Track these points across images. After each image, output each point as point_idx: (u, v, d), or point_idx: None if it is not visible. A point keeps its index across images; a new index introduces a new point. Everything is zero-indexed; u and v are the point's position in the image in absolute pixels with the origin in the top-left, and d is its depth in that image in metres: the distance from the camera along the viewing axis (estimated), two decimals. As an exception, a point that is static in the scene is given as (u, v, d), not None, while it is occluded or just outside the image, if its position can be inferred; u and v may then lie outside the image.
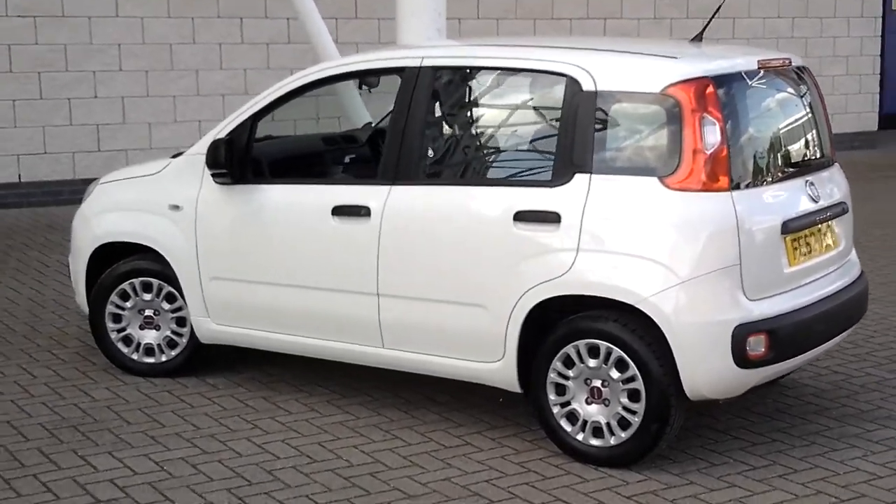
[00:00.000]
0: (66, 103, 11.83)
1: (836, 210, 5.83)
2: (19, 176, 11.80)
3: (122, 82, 12.04)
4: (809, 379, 6.62)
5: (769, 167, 5.51)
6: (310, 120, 9.23)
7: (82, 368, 6.77)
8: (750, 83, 5.51)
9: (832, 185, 5.90)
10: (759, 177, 5.41)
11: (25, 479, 5.24)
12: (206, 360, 6.68)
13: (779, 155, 5.60)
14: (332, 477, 5.29)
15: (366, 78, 6.64)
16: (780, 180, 5.54)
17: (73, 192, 11.92)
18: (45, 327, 7.61)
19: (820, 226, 5.68)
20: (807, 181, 5.66)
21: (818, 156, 5.88)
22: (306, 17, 10.16)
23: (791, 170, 5.63)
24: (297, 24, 12.37)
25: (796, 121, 5.74)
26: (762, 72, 5.61)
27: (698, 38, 6.04)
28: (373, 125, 7.51)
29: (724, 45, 6.33)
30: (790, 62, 5.84)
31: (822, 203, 5.70)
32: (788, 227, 5.41)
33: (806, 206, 5.58)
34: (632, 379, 5.27)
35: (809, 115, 5.84)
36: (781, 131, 5.65)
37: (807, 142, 5.79)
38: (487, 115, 5.98)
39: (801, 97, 5.84)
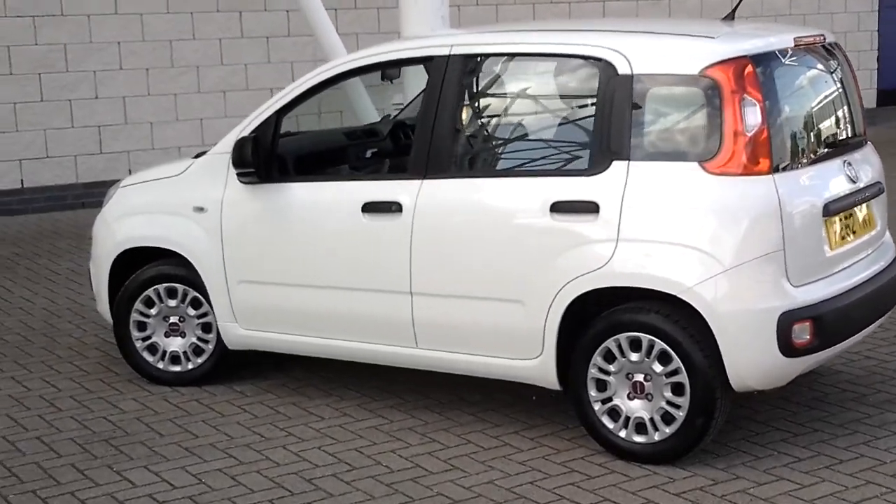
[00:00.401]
0: (67, 105, 11.69)
1: (874, 190, 5.74)
2: (21, 181, 11.65)
3: (122, 81, 11.90)
4: (842, 365, 6.52)
5: (808, 148, 5.42)
6: (312, 115, 9.11)
7: (107, 379, 6.65)
8: (786, 62, 5.40)
9: (867, 165, 5.81)
10: (798, 158, 5.31)
11: (63, 497, 5.13)
12: (231, 367, 6.57)
13: (817, 135, 5.50)
14: (373, 484, 5.19)
15: (393, 69, 6.47)
16: (819, 161, 5.44)
17: (76, 196, 11.84)
18: (63, 337, 7.49)
19: (859, 207, 5.59)
20: (844, 161, 5.57)
21: (853, 135, 5.78)
22: (308, 9, 10.03)
23: (828, 150, 5.53)
24: (298, 16, 12.26)
25: (832, 99, 5.64)
26: (798, 50, 5.50)
27: (730, 16, 5.93)
28: (391, 117, 7.39)
29: (756, 24, 6.20)
30: (824, 39, 5.73)
31: (860, 184, 5.61)
32: (829, 210, 5.31)
33: (845, 187, 5.49)
34: (675, 372, 5.17)
35: (844, 93, 5.74)
36: (818, 111, 5.54)
37: (843, 121, 5.70)
38: (520, 104, 5.87)
39: (835, 75, 5.73)
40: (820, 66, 5.68)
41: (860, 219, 5.62)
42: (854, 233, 5.55)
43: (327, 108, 9.52)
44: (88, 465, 5.47)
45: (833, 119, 5.63)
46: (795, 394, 6.06)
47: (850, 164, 5.60)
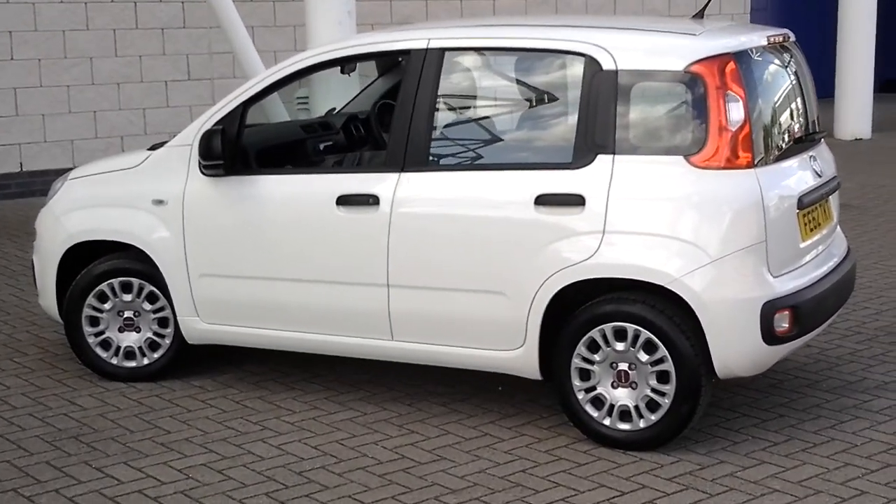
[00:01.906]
0: (-44, 96, 11.30)
1: (833, 185, 5.96)
2: None
3: (14, 72, 11.55)
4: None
5: (781, 143, 5.58)
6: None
7: (54, 376, 6.46)
8: (760, 59, 5.56)
9: (826, 160, 6.02)
10: (773, 153, 5.46)
11: (48, 494, 4.98)
12: (186, 362, 6.44)
13: (788, 130, 5.68)
14: (366, 475, 5.16)
15: (363, 62, 6.41)
16: (790, 156, 5.61)
17: (-33, 188, 11.45)
18: (-8, 334, 7.26)
19: (824, 200, 5.78)
20: (810, 156, 5.76)
21: (815, 130, 5.97)
22: (217, 5, 9.96)
23: (797, 145, 5.71)
24: (193, 7, 12.10)
25: (798, 96, 5.81)
26: (769, 48, 5.66)
27: (700, 15, 6.06)
28: (336, 111, 7.34)
29: (725, 23, 6.34)
30: (789, 37, 5.91)
31: (824, 178, 5.80)
32: (803, 203, 5.49)
33: (813, 181, 5.68)
34: (661, 361, 5.27)
35: (806, 89, 5.92)
36: (788, 107, 5.71)
37: (807, 116, 5.88)
38: (501, 98, 5.91)
39: (799, 72, 5.91)
40: (786, 63, 5.86)
41: (824, 212, 5.81)
42: (819, 225, 5.75)
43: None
44: (64, 462, 5.31)
45: (800, 115, 5.82)
46: (752, 381, 6.22)
47: (815, 158, 5.79)
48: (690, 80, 5.25)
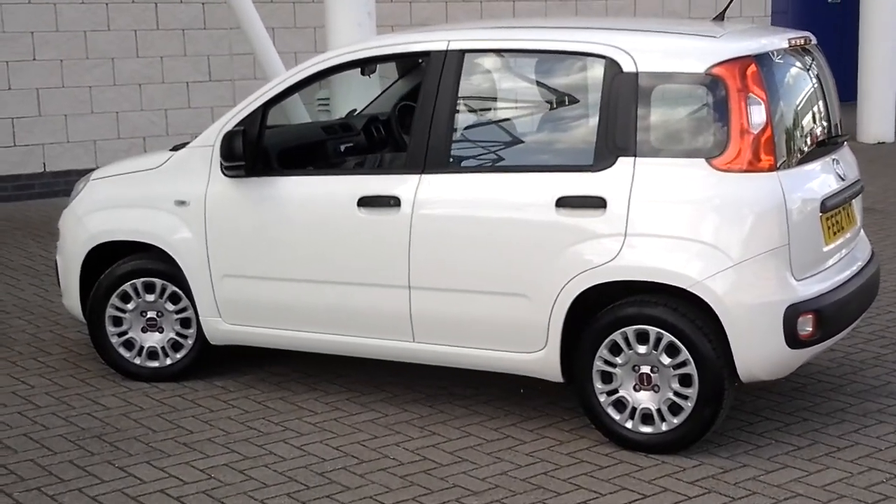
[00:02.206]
0: (-22, 96, 11.35)
1: (857, 188, 5.93)
2: (-67, 174, 11.28)
3: (36, 72, 11.59)
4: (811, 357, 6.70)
5: (804, 146, 5.56)
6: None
7: (78, 375, 6.48)
8: (781, 62, 5.54)
9: (849, 163, 6.00)
10: (795, 156, 5.44)
11: (71, 493, 5.00)
12: (208, 362, 6.46)
13: (810, 133, 5.66)
14: (387, 477, 5.17)
15: (383, 63, 6.41)
16: (813, 159, 5.59)
17: (-10, 188, 11.51)
18: (17, 334, 7.27)
19: (847, 204, 5.76)
20: (833, 159, 5.74)
21: (838, 133, 5.95)
22: (237, 6, 10.00)
23: (820, 148, 5.69)
24: (214, 8, 12.14)
25: (820, 98, 5.79)
26: (790, 50, 5.65)
27: (720, 17, 6.05)
28: (356, 112, 7.35)
29: (746, 25, 6.33)
30: (811, 40, 5.90)
31: (847, 181, 5.78)
32: (826, 206, 5.47)
33: (836, 184, 5.66)
34: (683, 364, 5.26)
35: (828, 92, 5.90)
36: (810, 110, 5.69)
37: (829, 119, 5.86)
38: (522, 100, 5.91)
39: (820, 75, 5.89)
40: (808, 66, 5.84)
41: (847, 215, 5.79)
42: (842, 229, 5.72)
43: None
44: (88, 461, 5.33)
45: (822, 117, 5.79)
46: (774, 384, 6.21)
47: (838, 161, 5.78)
48: (711, 82, 5.24)
